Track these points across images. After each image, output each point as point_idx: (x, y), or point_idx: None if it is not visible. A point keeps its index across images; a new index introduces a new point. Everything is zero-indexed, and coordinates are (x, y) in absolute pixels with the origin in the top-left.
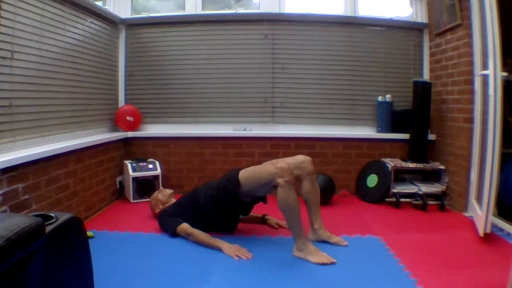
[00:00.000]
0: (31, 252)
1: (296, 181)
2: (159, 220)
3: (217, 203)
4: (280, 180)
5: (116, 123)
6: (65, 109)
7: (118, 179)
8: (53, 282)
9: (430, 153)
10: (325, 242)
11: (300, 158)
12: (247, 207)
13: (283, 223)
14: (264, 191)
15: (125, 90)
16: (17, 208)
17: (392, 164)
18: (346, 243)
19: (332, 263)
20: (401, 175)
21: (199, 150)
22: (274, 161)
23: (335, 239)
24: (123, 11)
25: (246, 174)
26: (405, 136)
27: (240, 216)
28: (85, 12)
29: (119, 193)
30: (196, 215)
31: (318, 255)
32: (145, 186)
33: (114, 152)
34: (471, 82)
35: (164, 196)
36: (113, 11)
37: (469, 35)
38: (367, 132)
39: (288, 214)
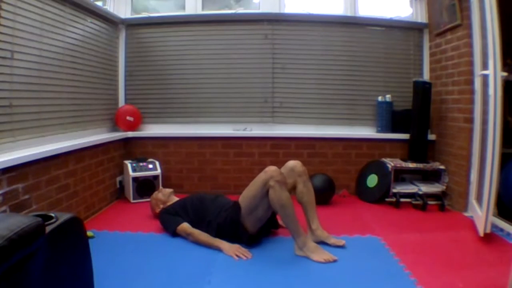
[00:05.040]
0: (31, 252)
1: (292, 188)
2: (160, 219)
3: (222, 235)
4: (271, 182)
5: (116, 123)
6: (65, 109)
7: (118, 179)
8: (53, 282)
9: (430, 153)
10: (323, 243)
11: (289, 164)
12: (253, 239)
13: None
14: (264, 206)
15: (125, 90)
16: (17, 208)
17: (392, 164)
18: (343, 242)
19: (334, 261)
20: (401, 175)
21: (199, 150)
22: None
23: (333, 240)
24: (123, 11)
25: (243, 194)
26: (405, 136)
27: None
28: (85, 12)
29: (119, 193)
30: (198, 226)
31: (320, 253)
32: (145, 186)
33: (114, 152)
34: (471, 82)
35: (164, 195)
36: (113, 11)
37: (469, 35)
38: (367, 132)
39: (283, 213)
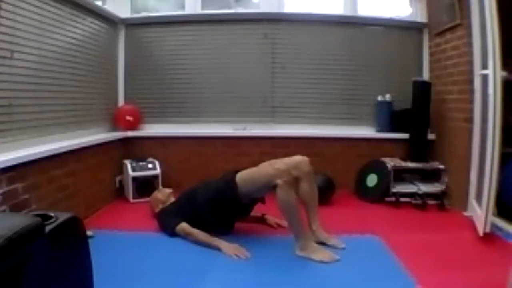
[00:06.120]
0: (31, 252)
1: (294, 182)
2: (159, 219)
3: (214, 206)
4: (279, 181)
5: (115, 122)
6: (65, 109)
7: (118, 178)
8: (52, 282)
9: (430, 152)
10: (322, 243)
11: (297, 158)
12: (245, 209)
13: (283, 222)
14: (262, 192)
15: (125, 89)
16: (16, 207)
17: (392, 164)
18: (343, 245)
19: (336, 261)
20: (400, 175)
21: (199, 150)
22: (272, 162)
23: (332, 241)
24: (123, 11)
25: (244, 176)
26: (404, 135)
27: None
28: (85, 11)
29: (119, 193)
30: (193, 216)
31: (321, 253)
32: (145, 186)
33: (114, 151)
34: (470, 81)
35: (164, 195)
36: (112, 10)
37: (469, 35)
38: (367, 131)
39: (289, 214)
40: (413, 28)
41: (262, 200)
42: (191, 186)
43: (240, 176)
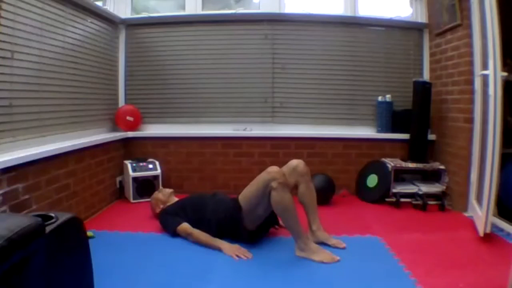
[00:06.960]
0: (31, 252)
1: (294, 187)
2: (160, 219)
3: (222, 227)
4: (273, 183)
5: (116, 123)
6: (65, 109)
7: (118, 179)
8: (53, 282)
9: (430, 153)
10: (323, 243)
11: (293, 163)
12: (253, 236)
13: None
14: (264, 205)
15: (125, 90)
16: (17, 208)
17: (392, 164)
18: (344, 245)
19: (337, 261)
20: (401, 175)
21: (199, 150)
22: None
23: (333, 241)
24: (123, 11)
25: (243, 192)
26: (405, 136)
27: None
28: (85, 12)
29: (119, 193)
30: (198, 224)
31: (321, 254)
32: (145, 186)
33: (114, 152)
34: (471, 82)
35: (164, 195)
36: (113, 11)
37: (469, 35)
38: (367, 132)
39: (285, 216)
40: (414, 29)
41: (275, 222)
42: (192, 187)
43: (240, 196)
